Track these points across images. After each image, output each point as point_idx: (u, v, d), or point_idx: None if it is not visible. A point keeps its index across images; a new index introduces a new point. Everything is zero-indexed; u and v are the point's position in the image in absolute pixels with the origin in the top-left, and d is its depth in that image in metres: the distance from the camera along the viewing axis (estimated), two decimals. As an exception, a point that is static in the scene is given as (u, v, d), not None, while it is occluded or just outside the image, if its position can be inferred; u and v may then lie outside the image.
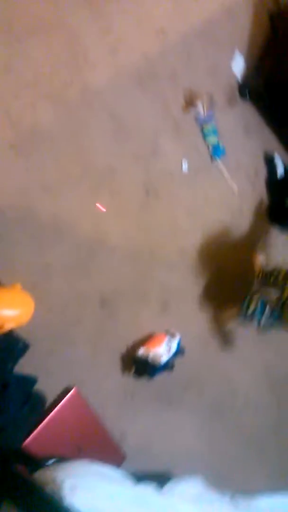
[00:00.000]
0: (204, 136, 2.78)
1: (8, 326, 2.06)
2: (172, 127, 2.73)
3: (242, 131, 2.90)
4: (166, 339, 2.47)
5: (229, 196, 2.81)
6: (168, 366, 2.42)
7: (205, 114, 2.76)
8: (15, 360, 2.17)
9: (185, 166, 2.70)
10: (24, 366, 2.21)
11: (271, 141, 2.96)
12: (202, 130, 2.78)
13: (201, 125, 2.78)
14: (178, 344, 2.48)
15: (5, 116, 2.35)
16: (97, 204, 2.48)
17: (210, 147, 2.78)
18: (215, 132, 2.78)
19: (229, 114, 2.88)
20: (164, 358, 2.38)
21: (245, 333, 2.72)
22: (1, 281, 2.23)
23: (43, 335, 2.28)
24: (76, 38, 2.57)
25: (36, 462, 1.89)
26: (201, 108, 2.75)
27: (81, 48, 2.57)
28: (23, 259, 2.33)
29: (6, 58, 2.39)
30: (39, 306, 2.13)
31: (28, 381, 2.19)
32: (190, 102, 2.76)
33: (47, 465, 1.81)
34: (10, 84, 2.37)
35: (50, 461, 1.87)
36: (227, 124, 2.86)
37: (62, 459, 1.94)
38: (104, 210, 2.49)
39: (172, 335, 2.49)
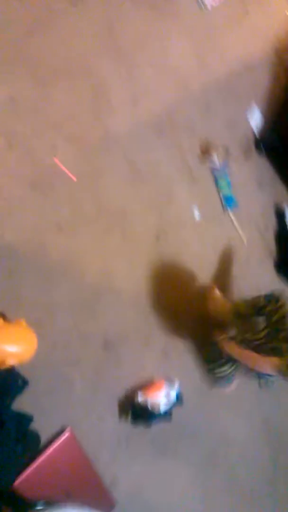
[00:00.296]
0: (218, 186, 2.83)
1: (9, 362, 2.07)
2: (187, 176, 2.79)
3: (256, 184, 2.96)
4: (166, 387, 2.45)
5: (238, 247, 2.84)
6: (166, 415, 2.40)
7: (220, 165, 2.82)
8: (13, 396, 2.17)
9: (197, 214, 2.74)
10: (21, 403, 2.21)
11: (283, 196, 3.01)
12: (216, 180, 2.84)
13: (216, 175, 2.84)
14: (177, 395, 2.46)
15: (27, 154, 2.42)
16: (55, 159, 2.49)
17: (223, 197, 2.83)
18: (228, 183, 2.83)
19: (243, 166, 2.94)
20: (162, 408, 2.36)
21: (245, 385, 2.70)
22: (7, 315, 2.25)
23: (43, 373, 2.28)
24: (101, 84, 2.67)
25: (24, 506, 1.87)
26: (216, 159, 2.82)
27: (104, 94, 2.67)
28: (30, 295, 2.35)
29: (32, 99, 2.48)
30: (41, 343, 2.14)
31: (24, 419, 2.18)
32: (206, 153, 2.83)
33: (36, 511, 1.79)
34: (34, 124, 2.46)
35: (39, 506, 1.85)
36: (241, 176, 2.92)
37: (51, 503, 1.92)
38: (74, 179, 2.50)
39: (172, 384, 2.48)
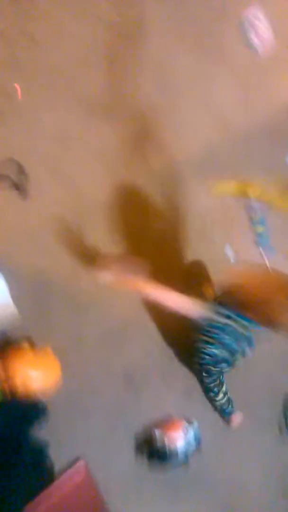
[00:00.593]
0: (254, 227, 2.81)
1: (32, 388, 2.10)
2: (224, 214, 2.79)
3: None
4: (185, 430, 2.41)
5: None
6: (183, 459, 2.35)
7: (258, 207, 2.81)
8: (32, 423, 2.20)
9: (231, 255, 2.72)
10: (38, 430, 2.23)
11: None
12: (252, 221, 2.82)
13: (252, 216, 2.82)
14: (196, 437, 2.42)
15: (72, 188, 2.49)
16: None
17: (259, 240, 2.80)
18: (264, 224, 2.80)
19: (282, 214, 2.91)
20: (180, 450, 2.33)
21: (266, 435, 2.63)
22: (34, 340, 2.29)
23: (63, 401, 2.29)
24: (148, 119, 2.73)
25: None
26: (254, 200, 2.81)
27: (151, 129, 2.73)
28: (59, 322, 2.40)
29: (80, 131, 2.55)
30: (64, 372, 2.17)
31: (40, 447, 2.19)
32: (244, 193, 2.82)
33: None
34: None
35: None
36: (279, 220, 2.88)
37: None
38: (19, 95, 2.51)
39: (191, 425, 2.44)
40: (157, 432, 2.38)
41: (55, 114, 2.56)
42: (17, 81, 2.51)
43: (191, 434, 2.42)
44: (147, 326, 2.53)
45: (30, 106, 2.51)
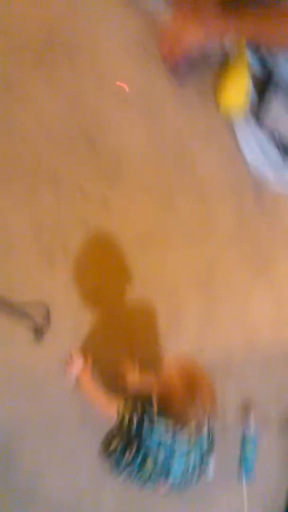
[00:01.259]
0: (243, 448, 2.78)
1: None
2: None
3: (279, 462, 2.86)
4: None
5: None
6: None
7: (253, 427, 2.80)
8: None
9: (211, 469, 2.64)
10: None
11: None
12: (243, 441, 2.79)
13: (245, 436, 2.80)
14: None
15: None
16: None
17: (243, 463, 2.75)
18: (254, 449, 2.78)
19: (275, 441, 2.88)
20: None
21: None
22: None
23: None
24: (178, 308, 2.81)
25: None
26: (252, 419, 2.80)
27: (177, 318, 2.80)
28: (17, 479, 2.34)
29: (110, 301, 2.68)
30: None
31: None
32: (245, 409, 2.83)
33: None
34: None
35: None
36: (268, 449, 2.84)
37: None
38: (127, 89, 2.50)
39: None
40: None
41: (99, 278, 2.69)
42: (80, 236, 2.65)
43: None
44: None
45: (79, 263, 2.63)
